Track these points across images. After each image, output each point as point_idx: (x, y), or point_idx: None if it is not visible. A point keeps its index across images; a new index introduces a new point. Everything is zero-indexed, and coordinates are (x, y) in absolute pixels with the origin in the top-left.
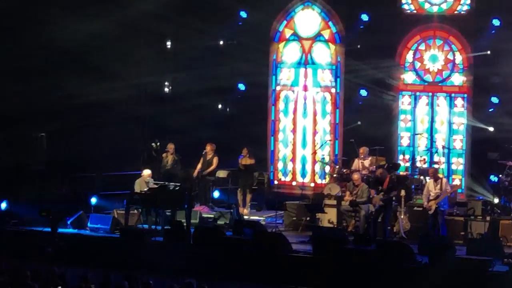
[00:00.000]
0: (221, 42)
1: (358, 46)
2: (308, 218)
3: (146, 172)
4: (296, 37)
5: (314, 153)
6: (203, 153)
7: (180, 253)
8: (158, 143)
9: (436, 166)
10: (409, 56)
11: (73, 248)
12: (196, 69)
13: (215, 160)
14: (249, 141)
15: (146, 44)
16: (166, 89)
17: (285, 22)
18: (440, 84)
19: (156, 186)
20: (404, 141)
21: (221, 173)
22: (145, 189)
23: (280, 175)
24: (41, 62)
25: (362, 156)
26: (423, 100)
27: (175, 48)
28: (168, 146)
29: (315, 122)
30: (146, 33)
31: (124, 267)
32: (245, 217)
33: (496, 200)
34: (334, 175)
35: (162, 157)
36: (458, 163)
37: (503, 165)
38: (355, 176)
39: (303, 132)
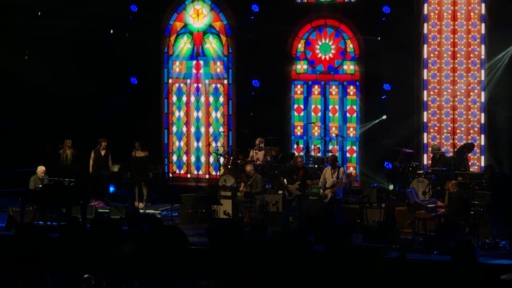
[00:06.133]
0: (112, 31)
1: (249, 37)
2: (204, 210)
3: (40, 168)
4: (187, 29)
5: (208, 145)
6: (96, 148)
7: (77, 249)
8: (52, 140)
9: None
10: (301, 46)
11: None
12: (87, 62)
13: (110, 156)
14: (142, 134)
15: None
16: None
17: (175, 15)
18: (332, 73)
19: (50, 182)
20: (298, 130)
21: (114, 168)
22: (40, 186)
23: (174, 168)
24: None
25: (257, 147)
26: (316, 89)
27: (61, 38)
28: (65, 142)
29: (208, 113)
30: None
31: (21, 265)
32: (141, 210)
33: (391, 187)
34: (229, 166)
35: (60, 153)
36: (352, 151)
37: (397, 151)
38: (248, 168)
39: (197, 124)
